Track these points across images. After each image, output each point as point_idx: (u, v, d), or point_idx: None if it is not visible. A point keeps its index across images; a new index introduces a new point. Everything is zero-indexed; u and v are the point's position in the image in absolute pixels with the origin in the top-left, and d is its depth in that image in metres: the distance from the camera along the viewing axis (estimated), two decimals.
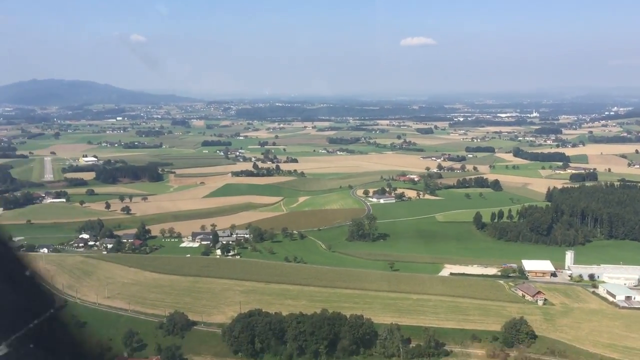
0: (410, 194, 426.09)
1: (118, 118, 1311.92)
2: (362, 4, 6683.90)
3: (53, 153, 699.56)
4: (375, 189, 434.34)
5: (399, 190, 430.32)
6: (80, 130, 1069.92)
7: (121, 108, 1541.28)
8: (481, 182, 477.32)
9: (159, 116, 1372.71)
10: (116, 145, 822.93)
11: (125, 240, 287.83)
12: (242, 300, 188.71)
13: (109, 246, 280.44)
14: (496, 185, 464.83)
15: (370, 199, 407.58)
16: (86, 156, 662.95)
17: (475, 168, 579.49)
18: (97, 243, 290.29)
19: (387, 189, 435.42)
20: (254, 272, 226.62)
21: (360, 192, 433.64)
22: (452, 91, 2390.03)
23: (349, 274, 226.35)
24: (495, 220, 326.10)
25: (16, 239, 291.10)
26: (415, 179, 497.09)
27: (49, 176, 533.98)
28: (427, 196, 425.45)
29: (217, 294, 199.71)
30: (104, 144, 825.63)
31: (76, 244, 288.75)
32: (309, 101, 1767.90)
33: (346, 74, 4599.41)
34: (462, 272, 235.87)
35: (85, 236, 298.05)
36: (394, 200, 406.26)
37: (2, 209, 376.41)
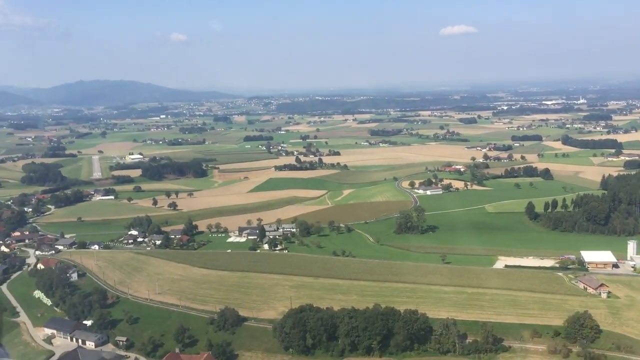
0: (458, 184, 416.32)
1: (161, 116, 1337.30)
2: None
3: (100, 152, 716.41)
4: (421, 180, 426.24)
5: (446, 181, 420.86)
6: (125, 128, 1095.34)
7: (164, 106, 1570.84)
8: (530, 171, 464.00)
9: (201, 113, 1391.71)
10: (160, 142, 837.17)
11: (173, 236, 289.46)
12: (292, 296, 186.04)
13: (158, 242, 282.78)
14: (546, 174, 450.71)
15: (417, 191, 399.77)
16: (132, 154, 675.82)
17: (522, 157, 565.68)
18: (146, 239, 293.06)
19: (433, 180, 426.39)
20: (303, 267, 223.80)
21: (405, 184, 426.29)
22: (494, 80, 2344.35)
23: (400, 268, 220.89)
24: (549, 210, 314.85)
25: (68, 236, 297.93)
26: (461, 170, 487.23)
27: (97, 174, 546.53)
28: (475, 186, 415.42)
29: (266, 289, 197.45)
30: (148, 142, 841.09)
31: (125, 241, 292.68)
32: (348, 94, 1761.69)
33: (385, 66, 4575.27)
34: (517, 264, 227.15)
35: (134, 233, 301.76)
36: (441, 192, 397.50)
37: (53, 207, 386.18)
